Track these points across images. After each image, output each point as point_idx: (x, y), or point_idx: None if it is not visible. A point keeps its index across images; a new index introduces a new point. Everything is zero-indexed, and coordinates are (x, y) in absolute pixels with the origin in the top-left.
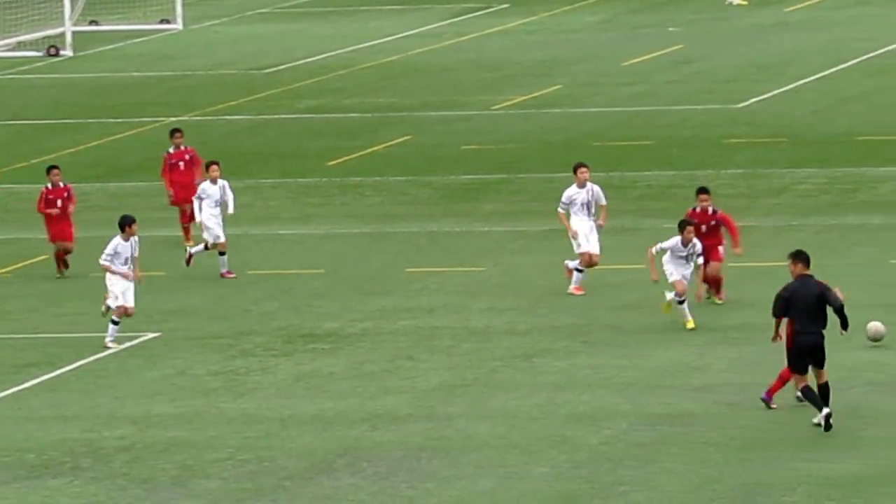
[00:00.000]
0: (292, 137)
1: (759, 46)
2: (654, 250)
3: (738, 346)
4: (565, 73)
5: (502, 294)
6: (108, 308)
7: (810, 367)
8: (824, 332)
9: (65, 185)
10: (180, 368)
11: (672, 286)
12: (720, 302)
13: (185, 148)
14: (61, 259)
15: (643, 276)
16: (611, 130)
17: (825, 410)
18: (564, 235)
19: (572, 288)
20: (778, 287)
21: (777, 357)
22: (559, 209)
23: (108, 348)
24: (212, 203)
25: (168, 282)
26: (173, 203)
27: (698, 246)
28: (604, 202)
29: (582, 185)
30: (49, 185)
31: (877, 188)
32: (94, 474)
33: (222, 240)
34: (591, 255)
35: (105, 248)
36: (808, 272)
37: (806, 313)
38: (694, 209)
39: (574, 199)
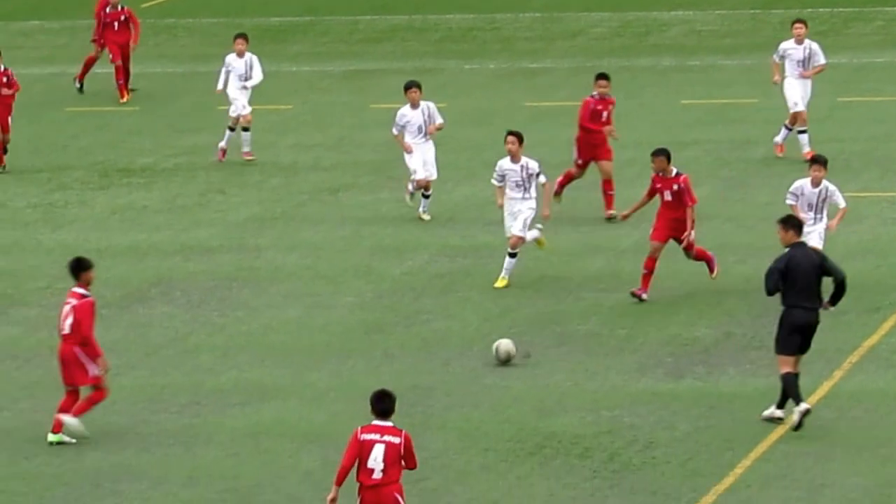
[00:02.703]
0: None
1: None
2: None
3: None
4: None
5: (309, 131)
6: None
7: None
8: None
9: (4, 69)
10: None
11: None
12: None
13: (122, 8)
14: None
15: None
16: None
17: (803, 406)
18: (368, 77)
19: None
20: None
21: (566, 195)
22: (393, 130)
23: None
24: (235, 77)
25: None
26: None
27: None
28: (440, 121)
29: (415, 106)
30: None
31: (667, 31)
32: None
33: (246, 111)
34: (428, 182)
35: None
36: (800, 239)
37: (803, 286)
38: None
39: (409, 121)
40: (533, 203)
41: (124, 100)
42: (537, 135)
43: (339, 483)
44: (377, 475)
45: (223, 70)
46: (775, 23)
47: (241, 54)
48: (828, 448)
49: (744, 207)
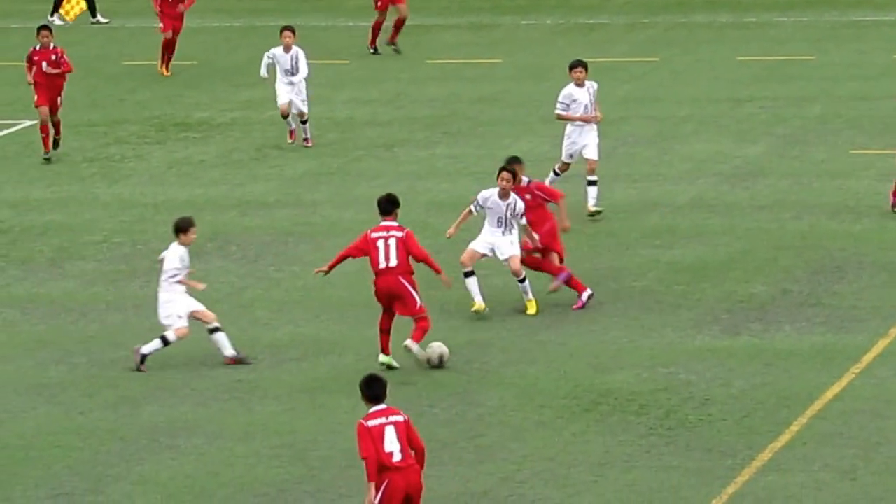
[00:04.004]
0: None
1: None
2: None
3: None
4: None
5: (365, 86)
6: None
7: None
8: None
9: (55, 47)
10: (57, 155)
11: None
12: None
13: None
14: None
15: (498, 71)
16: None
17: None
18: (424, 33)
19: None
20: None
21: (623, 151)
22: (558, 110)
23: None
24: (281, 72)
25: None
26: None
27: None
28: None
29: (581, 84)
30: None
31: None
32: None
33: (302, 108)
34: (589, 162)
35: None
36: None
37: None
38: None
39: (576, 99)
40: (515, 238)
41: (167, 73)
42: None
43: (373, 478)
44: (398, 457)
45: (265, 58)
46: None
47: (287, 48)
48: (883, 406)
49: (800, 164)
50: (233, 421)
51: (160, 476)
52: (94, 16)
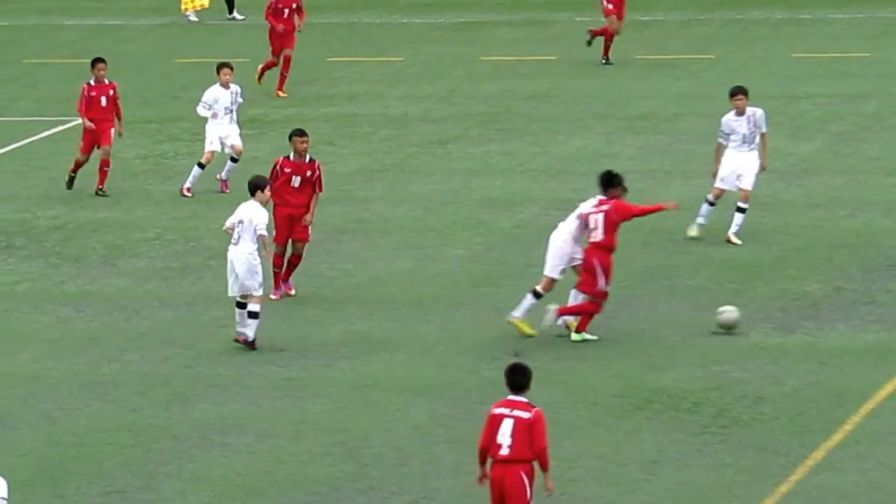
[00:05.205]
0: None
1: None
2: None
3: (644, 134)
4: None
5: (419, 83)
6: None
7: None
8: None
9: (110, 82)
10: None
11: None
12: None
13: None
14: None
15: (553, 68)
16: None
17: None
18: (479, 29)
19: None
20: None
21: (678, 148)
22: (719, 139)
23: None
24: (220, 111)
25: None
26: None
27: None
28: (765, 129)
29: (741, 112)
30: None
31: None
32: (28, 252)
33: (239, 145)
34: (743, 191)
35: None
36: None
37: None
38: None
39: (734, 129)
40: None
41: (283, 95)
42: (648, 87)
43: (482, 462)
44: (504, 451)
45: (202, 104)
46: None
47: (226, 85)
48: None
49: (855, 161)
50: (284, 419)
51: (211, 474)
52: (230, 12)
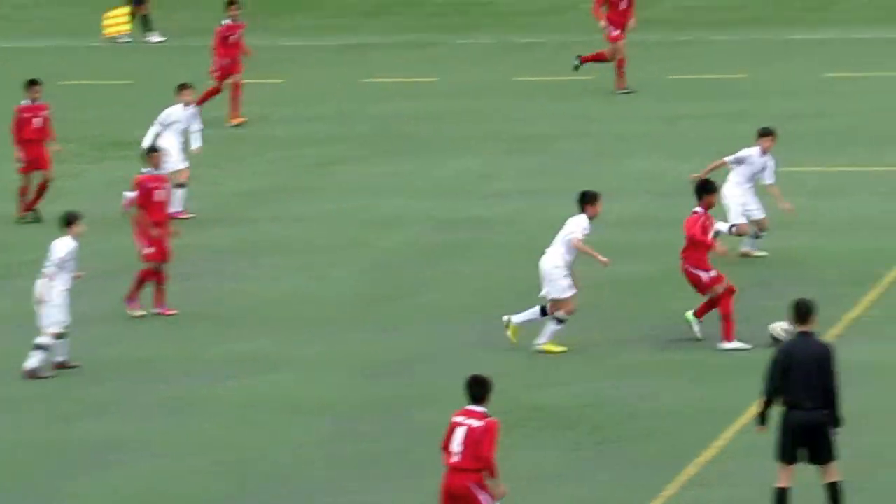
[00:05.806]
0: None
1: None
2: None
3: (525, 155)
4: None
5: (303, 105)
6: None
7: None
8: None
9: (43, 103)
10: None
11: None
12: None
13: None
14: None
15: (435, 88)
16: None
17: None
18: (362, 52)
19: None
20: None
21: (559, 168)
22: (731, 163)
23: None
24: (177, 133)
25: None
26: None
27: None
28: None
29: (765, 153)
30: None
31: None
32: None
33: (185, 166)
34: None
35: None
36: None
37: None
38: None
39: (753, 163)
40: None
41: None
42: (526, 110)
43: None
44: (455, 458)
45: (157, 125)
46: None
47: (188, 104)
48: None
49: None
50: (168, 438)
51: (92, 493)
52: (146, 31)
